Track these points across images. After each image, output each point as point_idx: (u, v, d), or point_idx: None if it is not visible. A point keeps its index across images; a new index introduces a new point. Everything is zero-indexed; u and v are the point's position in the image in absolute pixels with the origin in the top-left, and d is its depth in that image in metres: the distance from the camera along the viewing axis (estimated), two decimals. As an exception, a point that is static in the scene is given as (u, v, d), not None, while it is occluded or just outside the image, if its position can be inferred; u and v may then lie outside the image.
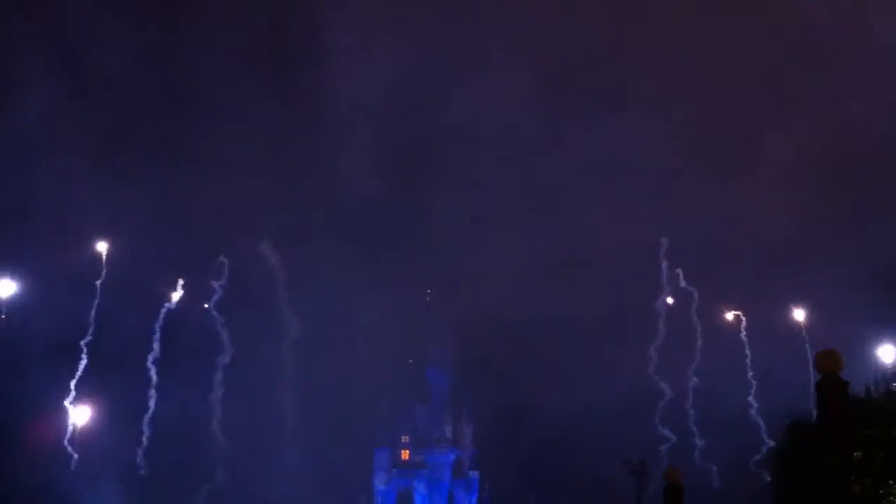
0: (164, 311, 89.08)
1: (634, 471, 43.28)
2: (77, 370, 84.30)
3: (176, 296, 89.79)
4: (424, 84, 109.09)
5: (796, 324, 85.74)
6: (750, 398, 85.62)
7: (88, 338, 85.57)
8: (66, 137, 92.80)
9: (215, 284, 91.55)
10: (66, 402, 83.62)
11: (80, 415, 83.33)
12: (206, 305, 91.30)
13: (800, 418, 32.07)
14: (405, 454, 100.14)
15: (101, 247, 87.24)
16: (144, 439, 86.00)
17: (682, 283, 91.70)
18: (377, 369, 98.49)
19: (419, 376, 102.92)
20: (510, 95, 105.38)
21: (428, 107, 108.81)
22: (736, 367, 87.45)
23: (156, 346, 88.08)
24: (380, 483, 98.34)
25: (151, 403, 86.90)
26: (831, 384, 17.40)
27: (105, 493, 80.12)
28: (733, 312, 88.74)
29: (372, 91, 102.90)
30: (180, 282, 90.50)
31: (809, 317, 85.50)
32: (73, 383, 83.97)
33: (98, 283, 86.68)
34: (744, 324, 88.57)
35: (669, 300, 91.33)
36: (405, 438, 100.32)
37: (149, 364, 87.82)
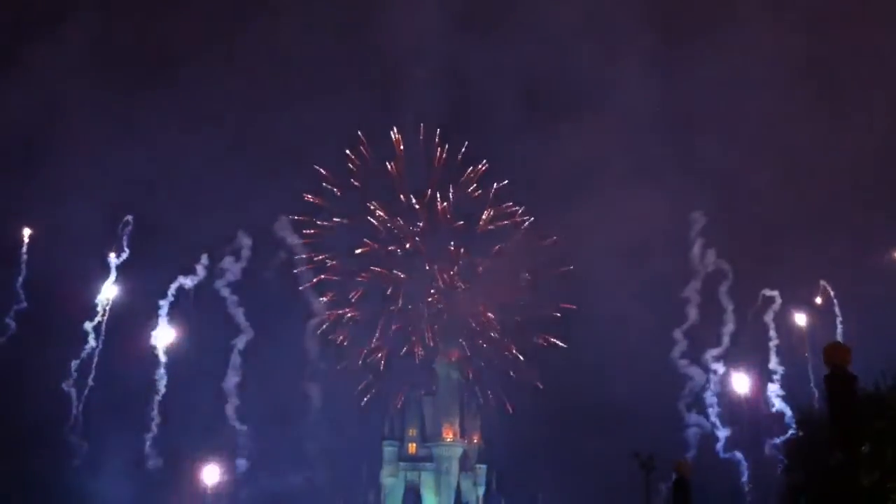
0: (174, 288, 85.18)
1: (643, 464, 43.20)
2: (82, 352, 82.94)
3: (195, 274, 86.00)
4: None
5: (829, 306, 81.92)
6: (774, 386, 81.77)
7: (98, 320, 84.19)
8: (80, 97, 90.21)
9: (233, 265, 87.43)
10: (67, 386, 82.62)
11: (109, 292, 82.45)
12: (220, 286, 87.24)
13: (811, 411, 32.20)
14: (412, 447, 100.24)
15: (124, 227, 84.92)
16: (154, 426, 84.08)
17: (714, 262, 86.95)
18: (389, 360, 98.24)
19: (427, 368, 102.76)
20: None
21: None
22: (762, 354, 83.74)
23: (161, 321, 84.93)
24: (387, 476, 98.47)
25: (161, 386, 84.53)
26: (839, 378, 17.30)
27: (113, 482, 79.05)
28: (766, 293, 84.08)
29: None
30: (203, 258, 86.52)
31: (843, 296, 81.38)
32: (74, 364, 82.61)
33: (114, 264, 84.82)
34: (775, 306, 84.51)
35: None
36: (412, 432, 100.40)
37: (152, 341, 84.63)
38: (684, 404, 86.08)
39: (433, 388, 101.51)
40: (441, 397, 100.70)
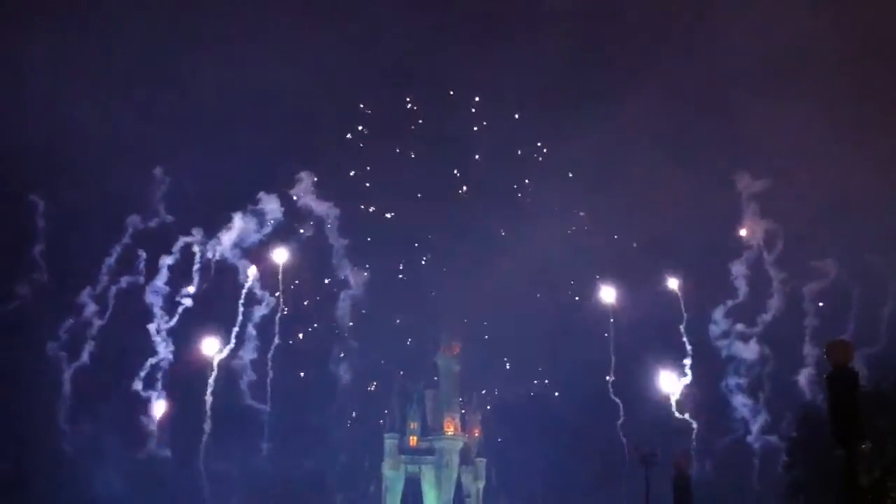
0: (179, 250, 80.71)
1: (644, 458, 43.25)
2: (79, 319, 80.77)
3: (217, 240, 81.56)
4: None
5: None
6: (805, 371, 75.27)
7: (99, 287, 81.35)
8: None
9: (255, 231, 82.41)
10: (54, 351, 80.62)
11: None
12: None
13: (811, 409, 32.34)
14: (413, 440, 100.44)
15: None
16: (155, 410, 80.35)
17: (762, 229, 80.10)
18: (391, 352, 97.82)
19: (428, 361, 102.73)
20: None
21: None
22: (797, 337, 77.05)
23: (160, 283, 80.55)
24: (388, 469, 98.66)
25: (165, 352, 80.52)
26: (840, 375, 17.42)
27: (112, 475, 77.54)
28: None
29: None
30: (237, 216, 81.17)
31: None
32: (62, 330, 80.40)
33: (129, 227, 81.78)
34: (823, 282, 77.17)
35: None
36: (413, 424, 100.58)
37: (148, 299, 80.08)
38: (724, 387, 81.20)
39: (434, 381, 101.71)
40: (442, 390, 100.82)
